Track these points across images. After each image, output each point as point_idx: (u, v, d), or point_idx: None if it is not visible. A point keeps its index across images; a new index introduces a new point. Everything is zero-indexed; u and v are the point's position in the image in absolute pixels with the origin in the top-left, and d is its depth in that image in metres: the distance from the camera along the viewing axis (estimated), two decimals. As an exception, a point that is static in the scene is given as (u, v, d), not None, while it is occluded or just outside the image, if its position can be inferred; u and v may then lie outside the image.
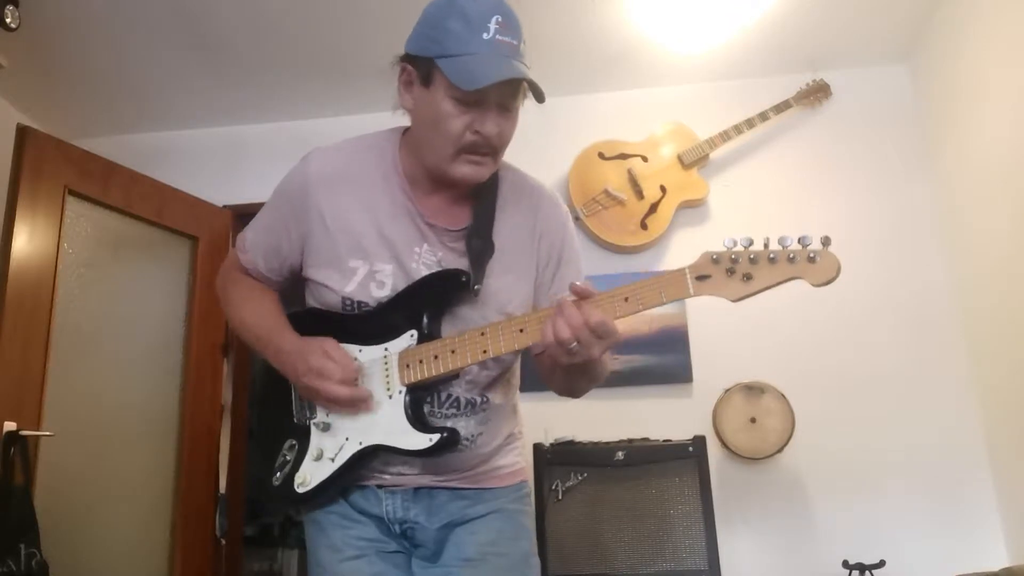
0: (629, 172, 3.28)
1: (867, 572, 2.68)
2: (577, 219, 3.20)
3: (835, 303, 3.11)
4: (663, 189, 3.26)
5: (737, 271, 1.15)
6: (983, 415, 2.95)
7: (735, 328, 3.13)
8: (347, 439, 1.33)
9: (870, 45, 3.27)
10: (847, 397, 3.03)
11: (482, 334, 1.26)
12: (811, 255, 1.13)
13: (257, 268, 1.45)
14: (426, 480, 1.37)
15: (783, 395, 2.86)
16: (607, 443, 2.72)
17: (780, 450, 2.86)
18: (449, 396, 1.35)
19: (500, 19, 1.22)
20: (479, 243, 1.35)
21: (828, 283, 1.14)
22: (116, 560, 2.89)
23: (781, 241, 1.14)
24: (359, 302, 1.35)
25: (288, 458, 1.38)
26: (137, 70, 3.25)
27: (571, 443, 2.74)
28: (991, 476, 2.90)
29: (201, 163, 3.62)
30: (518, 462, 1.48)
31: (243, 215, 3.19)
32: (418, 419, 1.30)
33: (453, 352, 1.27)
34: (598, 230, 3.21)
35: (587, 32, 3.08)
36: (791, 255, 1.13)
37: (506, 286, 1.37)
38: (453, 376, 1.32)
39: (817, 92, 3.32)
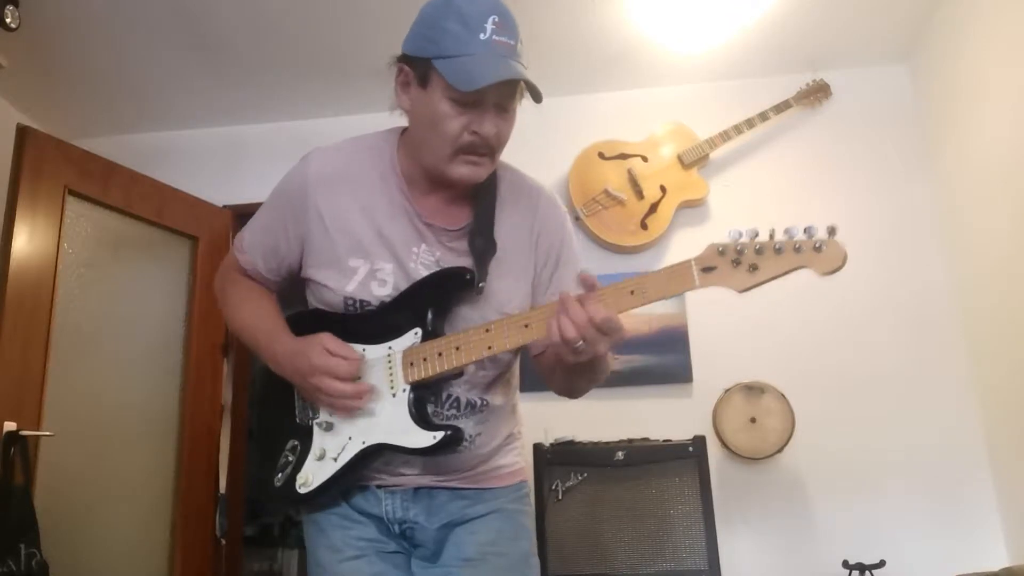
0: (629, 172, 3.28)
1: (867, 572, 2.68)
2: (577, 219, 3.20)
3: (835, 303, 3.11)
4: (663, 189, 3.26)
5: (743, 262, 1.14)
6: (983, 415, 2.95)
7: (735, 328, 3.13)
8: (350, 438, 1.33)
9: (870, 45, 3.27)
10: (847, 397, 3.03)
11: (487, 331, 1.26)
12: (817, 244, 1.12)
13: (256, 268, 1.45)
14: (426, 480, 1.37)
15: (783, 395, 2.86)
16: (607, 443, 2.72)
17: (780, 450, 2.86)
18: (450, 396, 1.36)
19: (497, 19, 1.22)
20: (481, 241, 1.35)
21: (834, 272, 1.13)
22: (116, 560, 2.89)
23: (787, 231, 1.14)
24: (361, 301, 1.35)
25: (290, 458, 1.38)
26: (137, 70, 3.25)
27: (571, 443, 2.74)
28: (991, 476, 2.90)
29: (201, 163, 3.62)
30: (517, 462, 1.48)
31: (243, 215, 3.19)
32: (422, 417, 1.30)
33: (458, 349, 1.27)
34: (598, 230, 3.21)
35: (587, 32, 3.08)
36: (797, 245, 1.13)
37: (505, 286, 1.37)
38: (458, 374, 1.32)
39: (817, 92, 3.32)
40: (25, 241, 2.64)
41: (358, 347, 1.34)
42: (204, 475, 3.19)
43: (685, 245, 3.22)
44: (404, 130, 1.41)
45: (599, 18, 3.00)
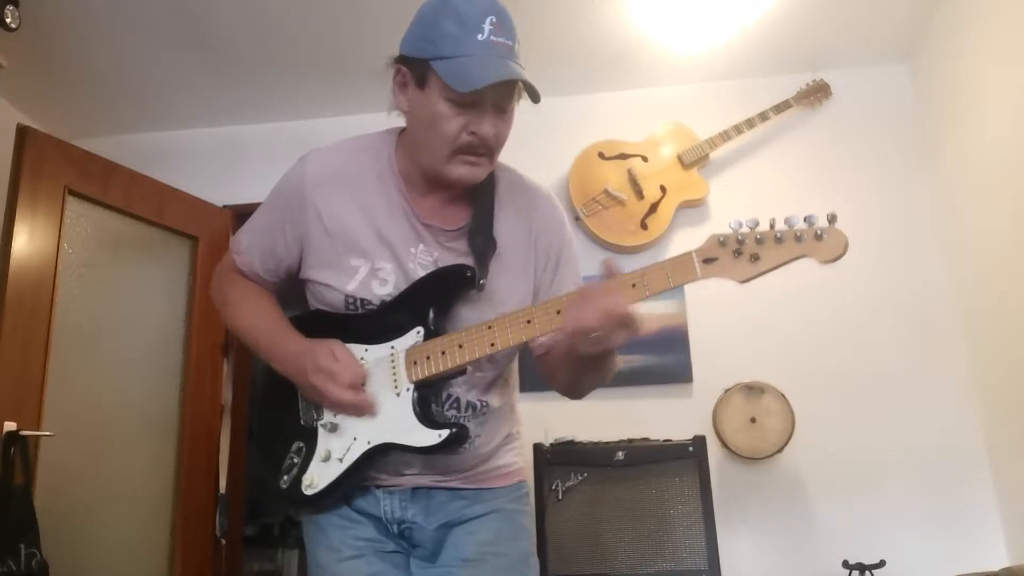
0: (629, 172, 3.28)
1: (867, 572, 2.68)
2: (577, 219, 3.20)
3: (835, 303, 3.11)
4: (663, 189, 3.26)
5: (744, 252, 1.13)
6: (983, 415, 2.94)
7: (735, 328, 3.13)
8: (355, 439, 1.32)
9: (870, 45, 3.27)
10: (847, 397, 3.03)
11: (489, 327, 1.26)
12: (818, 232, 1.12)
13: (254, 270, 1.45)
14: (424, 480, 1.37)
15: (783, 395, 2.86)
16: (607, 443, 2.72)
17: (780, 450, 2.86)
18: (450, 396, 1.36)
19: (494, 20, 1.22)
20: (481, 240, 1.35)
21: (836, 260, 1.12)
22: (116, 560, 2.89)
23: (787, 220, 1.13)
24: (362, 299, 1.35)
25: (295, 460, 1.37)
26: (137, 70, 3.25)
27: (571, 443, 2.74)
28: (991, 476, 2.90)
29: (201, 163, 3.62)
30: (516, 462, 1.48)
31: (243, 215, 3.17)
32: (426, 416, 1.30)
33: (461, 347, 1.27)
34: (598, 230, 3.21)
35: (587, 32, 3.08)
36: (798, 234, 1.12)
37: (505, 284, 1.37)
38: (460, 372, 1.31)
39: (817, 92, 3.32)
40: (25, 241, 2.64)
41: (360, 347, 1.34)
42: (204, 475, 3.19)
43: (685, 245, 3.17)
44: (402, 131, 1.40)
45: (599, 18, 3.00)
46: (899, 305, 3.11)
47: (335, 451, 1.34)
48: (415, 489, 1.37)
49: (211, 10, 2.89)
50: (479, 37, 1.21)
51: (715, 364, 3.10)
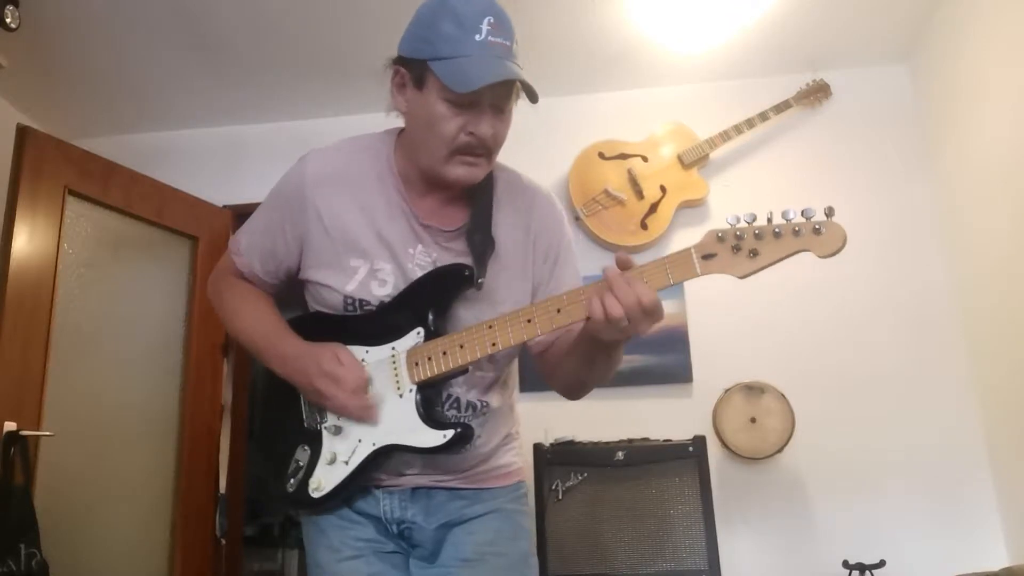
0: (629, 172, 3.28)
1: (867, 572, 2.68)
2: (577, 219, 3.20)
3: (835, 303, 3.11)
4: (663, 189, 3.26)
5: (743, 247, 1.13)
6: (983, 415, 2.94)
7: (735, 328, 3.13)
8: (360, 441, 1.32)
9: (870, 45, 3.27)
10: (847, 397, 3.03)
11: (489, 327, 1.26)
12: (816, 227, 1.11)
13: (253, 271, 1.44)
14: (424, 480, 1.37)
15: (783, 395, 2.86)
16: (607, 443, 2.72)
17: (780, 450, 2.86)
18: (449, 396, 1.36)
19: (492, 20, 1.22)
20: (480, 239, 1.34)
21: (834, 254, 1.11)
22: (116, 560, 2.89)
23: (785, 215, 1.12)
24: (361, 300, 1.34)
25: (301, 464, 1.37)
26: (137, 70, 3.25)
27: (571, 443, 2.74)
28: (991, 476, 2.90)
29: (201, 163, 3.62)
30: (516, 462, 1.48)
31: (243, 215, 3.17)
32: (430, 416, 1.30)
33: (462, 347, 1.27)
34: (598, 230, 3.21)
35: (587, 32, 3.08)
36: (796, 228, 1.11)
37: (502, 285, 1.37)
38: (462, 372, 1.31)
39: (817, 92, 3.32)
40: (25, 241, 2.64)
41: (361, 349, 1.34)
42: (204, 475, 3.19)
43: (685, 245, 3.21)
44: (401, 131, 1.40)
45: (599, 18, 3.00)
46: (899, 305, 3.11)
47: (340, 453, 1.33)
48: (415, 489, 1.37)
49: (211, 10, 2.89)
50: (477, 37, 1.21)
51: (715, 364, 3.09)
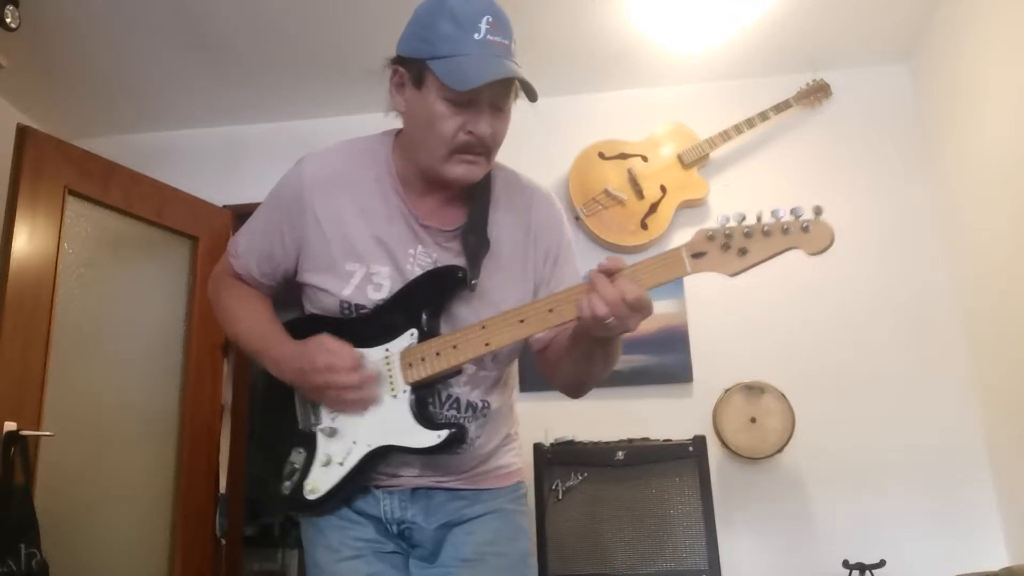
0: (629, 172, 3.28)
1: (867, 572, 2.68)
2: (577, 219, 3.20)
3: (835, 303, 3.11)
4: (663, 189, 3.26)
5: (732, 246, 1.14)
6: (983, 415, 2.94)
7: (735, 328, 3.14)
8: (354, 442, 1.33)
9: (870, 45, 3.27)
10: (847, 397, 3.03)
11: (483, 328, 1.26)
12: (804, 225, 1.12)
13: (251, 273, 1.45)
14: (424, 480, 1.37)
15: (783, 395, 2.86)
16: (607, 443, 2.72)
17: (780, 450, 2.86)
18: (449, 396, 1.35)
19: (491, 19, 1.22)
20: (474, 239, 1.35)
21: (823, 251, 1.12)
22: (116, 560, 2.89)
23: (774, 213, 1.13)
24: (356, 305, 1.35)
25: (296, 466, 1.37)
26: (137, 70, 3.25)
27: (571, 443, 2.74)
28: (991, 476, 2.90)
29: (201, 163, 3.62)
30: (515, 463, 1.48)
31: (243, 215, 3.18)
32: (424, 417, 1.30)
33: (455, 347, 1.27)
34: (598, 230, 3.21)
35: (587, 32, 3.08)
36: (785, 226, 1.13)
37: (500, 284, 1.37)
38: (456, 372, 1.32)
39: (817, 92, 3.32)
40: (25, 241, 2.64)
41: (355, 351, 1.34)
42: (204, 475, 3.19)
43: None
44: (398, 132, 1.40)
45: (599, 18, 3.00)
46: (899, 305, 3.11)
47: (335, 455, 1.33)
48: (415, 489, 1.37)
49: (211, 10, 2.89)
50: (476, 36, 1.21)
51: (715, 364, 3.09)
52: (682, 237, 3.24)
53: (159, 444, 3.11)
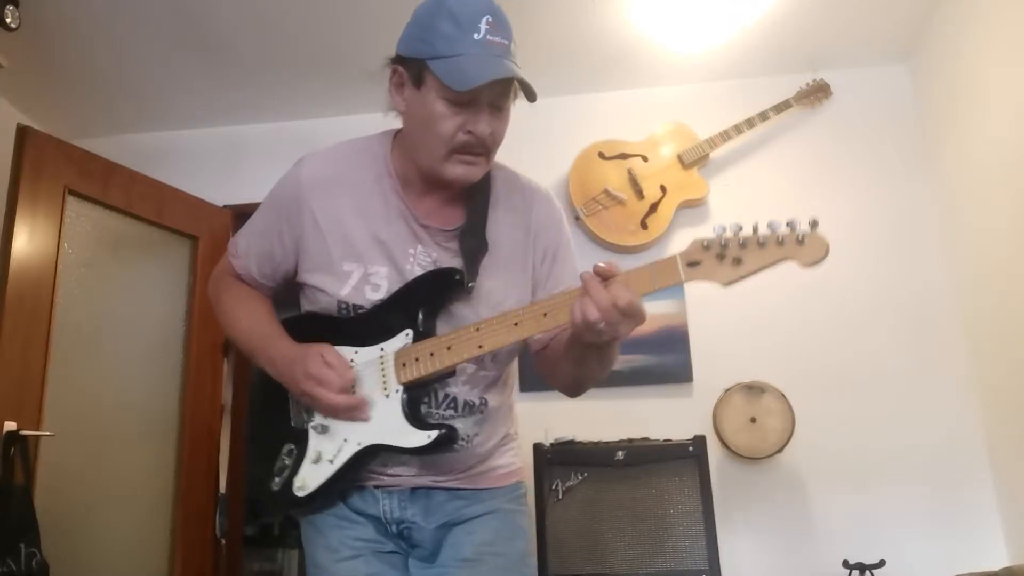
0: (629, 172, 3.28)
1: (867, 572, 2.68)
2: (577, 219, 3.20)
3: (835, 303, 3.11)
4: (663, 189, 3.26)
5: (727, 256, 1.15)
6: (983, 415, 2.94)
7: (735, 328, 3.13)
8: (345, 440, 1.33)
9: (870, 45, 3.27)
10: (847, 397, 3.03)
11: (477, 330, 1.26)
12: (799, 237, 1.13)
13: (251, 273, 1.45)
14: (423, 480, 1.37)
15: (783, 395, 2.86)
16: (607, 443, 2.72)
17: (780, 450, 2.86)
18: (447, 396, 1.36)
19: (490, 19, 1.22)
20: (473, 241, 1.35)
21: (817, 264, 1.13)
22: (116, 560, 2.89)
23: (770, 225, 1.14)
24: (354, 305, 1.35)
25: (287, 462, 1.38)
26: (137, 70, 3.25)
27: (571, 443, 2.74)
28: (991, 476, 2.90)
29: (201, 163, 3.62)
30: (515, 463, 1.48)
31: (243, 215, 3.18)
32: (415, 417, 1.30)
33: (449, 349, 1.27)
34: (598, 230, 3.21)
35: (587, 32, 3.08)
36: (780, 238, 1.13)
37: (500, 284, 1.37)
38: (450, 373, 1.32)
39: (817, 92, 3.32)
40: (25, 241, 2.64)
41: (350, 350, 1.34)
42: (204, 475, 3.19)
43: (685, 245, 3.21)
44: (398, 132, 1.41)
45: (599, 18, 3.00)
46: (899, 305, 3.11)
47: (326, 453, 1.34)
48: (414, 489, 1.37)
49: (211, 10, 2.89)
50: (475, 36, 1.21)
51: (715, 364, 3.09)
52: (682, 237, 3.26)
53: (159, 444, 3.11)
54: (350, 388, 1.31)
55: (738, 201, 3.29)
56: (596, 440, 2.75)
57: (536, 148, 3.00)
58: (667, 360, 3.15)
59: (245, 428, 3.48)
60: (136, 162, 3.21)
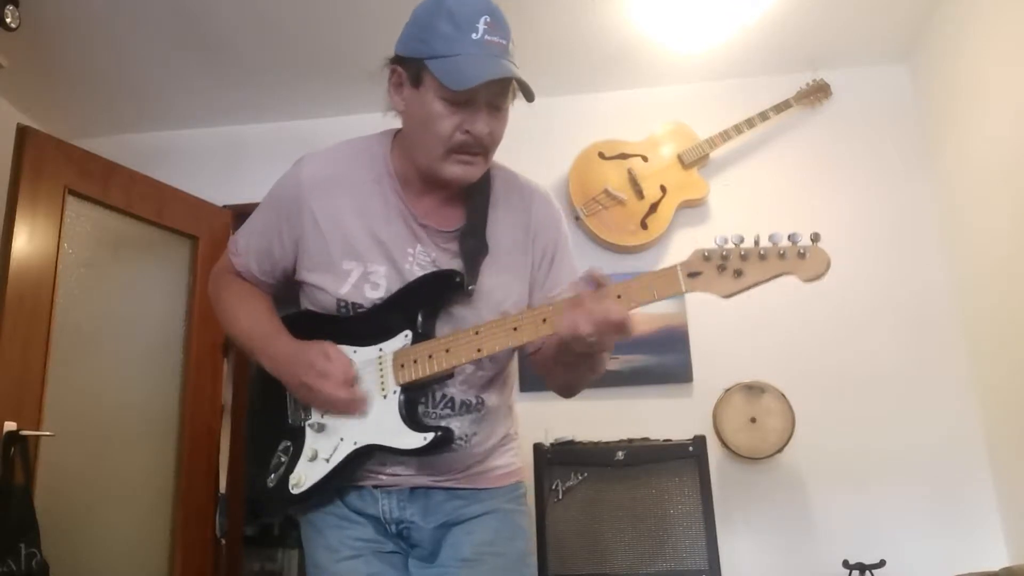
0: (629, 172, 3.28)
1: (867, 572, 2.68)
2: (577, 219, 3.20)
3: (835, 303, 3.11)
4: (663, 189, 3.26)
5: (728, 268, 1.15)
6: (983, 415, 2.94)
7: (735, 328, 3.13)
8: (342, 439, 1.33)
9: (870, 45, 3.27)
10: (847, 397, 3.03)
11: (476, 333, 1.27)
12: (801, 251, 1.14)
13: (250, 271, 1.46)
14: (422, 480, 1.37)
15: (783, 395, 2.86)
16: (607, 443, 2.72)
17: (780, 450, 2.86)
18: (444, 396, 1.36)
19: (489, 19, 1.23)
20: (473, 243, 1.35)
21: (817, 279, 1.14)
22: (116, 560, 2.89)
23: (772, 238, 1.15)
24: (353, 304, 1.35)
25: (283, 459, 1.38)
26: (137, 70, 3.25)
27: (571, 443, 2.74)
28: (991, 476, 2.90)
29: (201, 163, 3.62)
30: (514, 463, 1.48)
31: (243, 215, 3.17)
32: (412, 418, 1.31)
33: (447, 351, 1.28)
34: (598, 230, 3.21)
35: (587, 32, 3.08)
36: (781, 251, 1.14)
37: (500, 285, 1.37)
38: (448, 375, 1.32)
39: (817, 92, 3.32)
40: (25, 241, 2.65)
41: (349, 349, 1.34)
42: (204, 475, 3.19)
43: (685, 245, 3.22)
44: (397, 132, 1.41)
45: (599, 18, 3.00)
46: (899, 305, 3.11)
47: (322, 451, 1.34)
48: (413, 489, 1.37)
49: (211, 10, 2.89)
50: (473, 36, 1.22)
51: (715, 364, 3.09)
52: (682, 237, 3.26)
53: (159, 444, 3.11)
54: (350, 382, 1.31)
55: (738, 201, 3.29)
56: (596, 440, 2.75)
57: (536, 148, 3.00)
58: (667, 360, 3.14)
59: (245, 428, 3.48)
60: (136, 162, 3.21)
